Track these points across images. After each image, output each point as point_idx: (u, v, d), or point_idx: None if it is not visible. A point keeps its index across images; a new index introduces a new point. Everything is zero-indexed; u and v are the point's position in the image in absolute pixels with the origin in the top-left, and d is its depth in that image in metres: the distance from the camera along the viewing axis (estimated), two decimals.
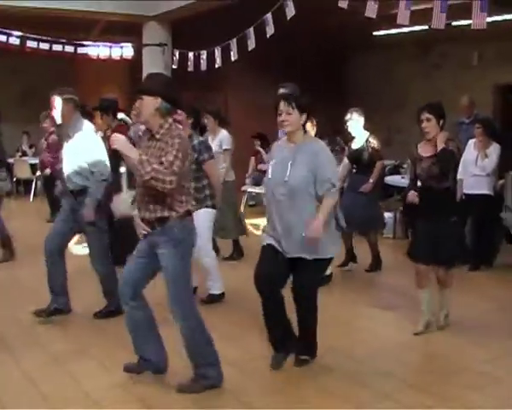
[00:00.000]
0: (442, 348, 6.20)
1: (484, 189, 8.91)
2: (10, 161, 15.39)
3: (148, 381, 5.26)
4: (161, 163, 4.71)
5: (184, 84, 15.04)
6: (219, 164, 8.74)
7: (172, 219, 4.87)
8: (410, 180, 6.75)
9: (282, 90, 7.36)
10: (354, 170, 8.92)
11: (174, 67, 14.65)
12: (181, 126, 5.10)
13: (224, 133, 9.15)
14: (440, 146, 6.22)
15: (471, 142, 9.18)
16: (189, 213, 4.99)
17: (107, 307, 6.89)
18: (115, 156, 8.29)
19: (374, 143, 8.76)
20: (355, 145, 8.81)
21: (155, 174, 4.66)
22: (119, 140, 4.82)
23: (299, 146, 5.32)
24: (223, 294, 7.59)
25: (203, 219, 6.96)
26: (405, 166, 12.67)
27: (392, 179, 11.89)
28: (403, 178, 11.45)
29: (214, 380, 5.12)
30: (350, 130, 8.82)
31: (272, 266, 5.36)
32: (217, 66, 12.38)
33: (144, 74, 15.22)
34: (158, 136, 4.86)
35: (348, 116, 8.75)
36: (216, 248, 9.53)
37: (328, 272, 7.53)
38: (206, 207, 7.16)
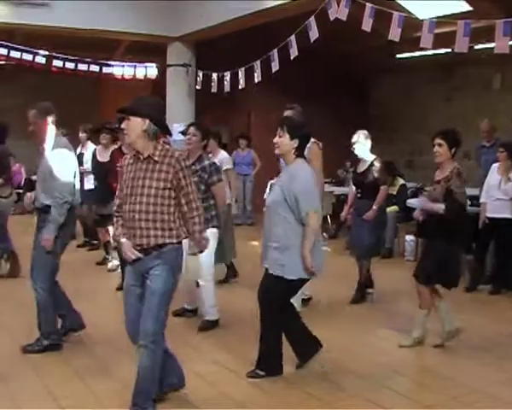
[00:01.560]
0: (461, 372, 6.15)
1: (506, 213, 8.87)
2: (33, 178, 15.49)
3: (173, 402, 5.23)
4: (187, 203, 4.82)
5: (208, 105, 15.24)
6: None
7: (170, 245, 4.77)
8: None
9: (287, 112, 7.43)
10: (359, 195, 8.55)
11: (198, 87, 14.75)
12: (169, 147, 5.01)
13: (223, 154, 9.30)
14: (443, 175, 6.55)
15: (494, 166, 9.16)
16: (185, 238, 4.95)
17: (38, 341, 6.42)
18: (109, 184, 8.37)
19: (377, 166, 8.42)
20: (360, 169, 8.55)
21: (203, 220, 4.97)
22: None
23: (286, 168, 5.75)
24: (217, 320, 7.32)
25: (210, 239, 6.67)
26: (428, 188, 12.63)
27: (414, 202, 11.84)
28: None
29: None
30: (356, 153, 8.54)
31: None
32: (240, 87, 12.45)
33: (168, 95, 15.44)
34: (156, 157, 4.73)
35: (355, 138, 8.46)
36: (234, 272, 9.63)
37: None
38: (213, 227, 7.07)
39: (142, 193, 4.68)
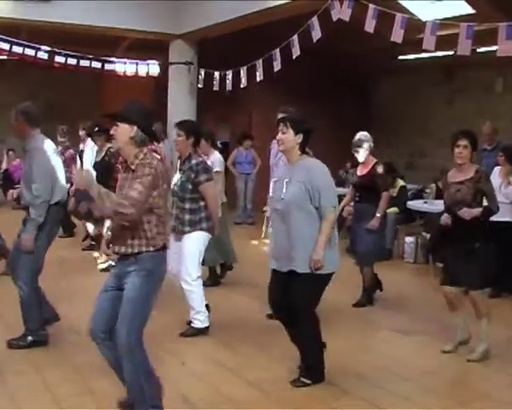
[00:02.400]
0: (464, 375, 6.16)
1: (507, 216, 8.83)
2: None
3: (173, 402, 5.19)
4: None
5: (210, 103, 15.24)
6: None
7: (147, 252, 4.64)
8: (444, 205, 6.78)
9: (280, 115, 7.25)
10: (357, 198, 8.42)
11: (200, 86, 14.76)
12: (158, 156, 4.85)
13: (216, 155, 8.98)
14: (465, 176, 6.41)
15: (496, 169, 9.14)
16: (164, 246, 4.79)
17: (23, 337, 6.47)
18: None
19: (379, 170, 8.24)
20: (361, 172, 8.36)
21: (115, 207, 4.52)
22: (80, 180, 4.80)
23: (295, 164, 5.61)
24: (207, 328, 7.03)
25: (195, 242, 6.84)
26: (428, 190, 12.63)
27: (414, 204, 11.84)
28: (425, 202, 11.42)
29: None
30: (357, 155, 8.31)
31: (281, 292, 5.60)
32: (242, 86, 12.45)
33: (170, 93, 15.47)
34: (133, 166, 4.64)
35: (356, 140, 8.26)
36: (216, 278, 9.39)
37: None
38: (201, 229, 6.86)
39: None
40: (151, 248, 4.63)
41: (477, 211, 6.32)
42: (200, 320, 6.94)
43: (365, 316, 8.02)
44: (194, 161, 6.83)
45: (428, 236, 10.55)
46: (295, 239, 5.45)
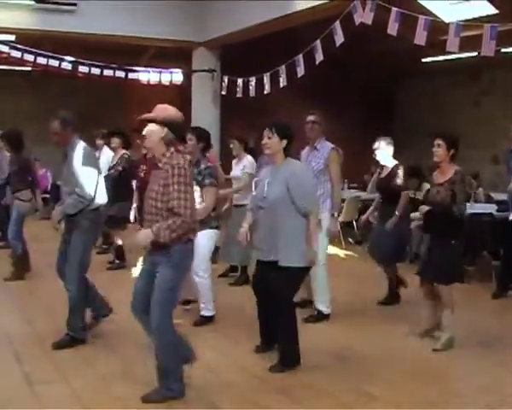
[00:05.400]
0: (482, 375, 6.03)
1: None
2: (59, 183, 15.56)
3: (197, 406, 5.25)
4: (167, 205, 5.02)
5: (234, 111, 15.25)
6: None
7: (176, 246, 5.11)
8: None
9: (310, 117, 7.67)
10: (381, 200, 8.62)
11: (223, 93, 14.79)
12: (187, 156, 5.33)
13: (248, 158, 9.55)
14: (444, 178, 6.75)
15: None
16: (191, 239, 5.26)
17: (66, 335, 6.70)
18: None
19: (399, 173, 8.36)
20: (383, 174, 8.53)
21: (174, 226, 4.99)
22: (139, 240, 5.16)
23: (278, 167, 6.08)
24: (213, 316, 7.58)
25: (204, 239, 7.11)
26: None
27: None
28: None
29: (176, 393, 5.33)
30: (378, 159, 8.54)
31: (260, 278, 6.16)
32: (265, 92, 12.45)
33: (193, 100, 15.51)
34: (160, 164, 5.14)
35: (376, 145, 8.47)
36: (246, 277, 9.56)
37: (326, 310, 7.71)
38: (210, 228, 7.31)
39: (149, 196, 5.19)
40: (179, 241, 5.10)
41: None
42: (208, 309, 7.51)
43: (389, 315, 7.94)
44: (202, 166, 7.23)
45: None
46: (279, 231, 5.89)
